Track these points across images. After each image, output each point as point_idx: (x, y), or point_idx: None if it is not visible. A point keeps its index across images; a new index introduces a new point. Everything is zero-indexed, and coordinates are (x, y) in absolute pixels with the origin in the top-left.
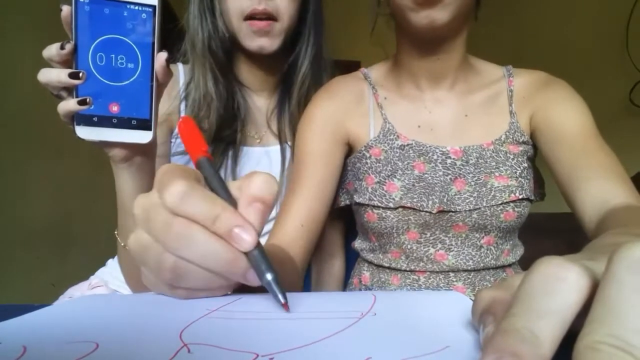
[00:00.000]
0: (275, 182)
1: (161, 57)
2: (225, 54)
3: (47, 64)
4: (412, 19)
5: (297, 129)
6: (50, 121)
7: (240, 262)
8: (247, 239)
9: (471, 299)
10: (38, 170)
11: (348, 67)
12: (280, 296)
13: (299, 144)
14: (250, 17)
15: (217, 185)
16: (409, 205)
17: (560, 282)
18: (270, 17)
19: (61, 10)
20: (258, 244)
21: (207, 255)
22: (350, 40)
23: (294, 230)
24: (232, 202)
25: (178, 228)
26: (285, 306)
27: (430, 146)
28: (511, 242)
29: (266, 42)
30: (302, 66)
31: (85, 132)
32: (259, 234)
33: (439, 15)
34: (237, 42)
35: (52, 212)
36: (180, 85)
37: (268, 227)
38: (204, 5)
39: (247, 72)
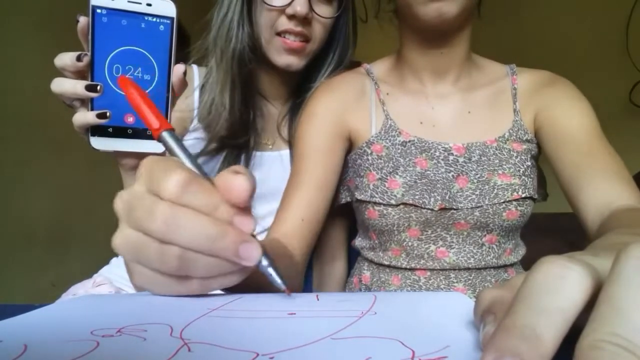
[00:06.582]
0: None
1: (179, 69)
2: (252, 64)
3: (47, 65)
4: (421, 12)
5: (298, 124)
6: (50, 121)
7: (230, 235)
8: (248, 224)
9: (473, 300)
10: (38, 170)
11: (349, 68)
12: (279, 281)
13: (300, 139)
14: (283, 33)
15: (185, 158)
16: (410, 202)
17: (562, 281)
18: (305, 38)
19: (77, 21)
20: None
21: (195, 233)
22: None
23: (294, 224)
24: (205, 175)
25: (162, 212)
26: (287, 291)
27: (432, 142)
28: (513, 242)
29: (295, 61)
30: (319, 80)
31: (100, 143)
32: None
33: (448, 7)
34: (261, 53)
35: (52, 212)
36: (195, 86)
37: (266, 223)
38: (244, 15)
39: (265, 82)
